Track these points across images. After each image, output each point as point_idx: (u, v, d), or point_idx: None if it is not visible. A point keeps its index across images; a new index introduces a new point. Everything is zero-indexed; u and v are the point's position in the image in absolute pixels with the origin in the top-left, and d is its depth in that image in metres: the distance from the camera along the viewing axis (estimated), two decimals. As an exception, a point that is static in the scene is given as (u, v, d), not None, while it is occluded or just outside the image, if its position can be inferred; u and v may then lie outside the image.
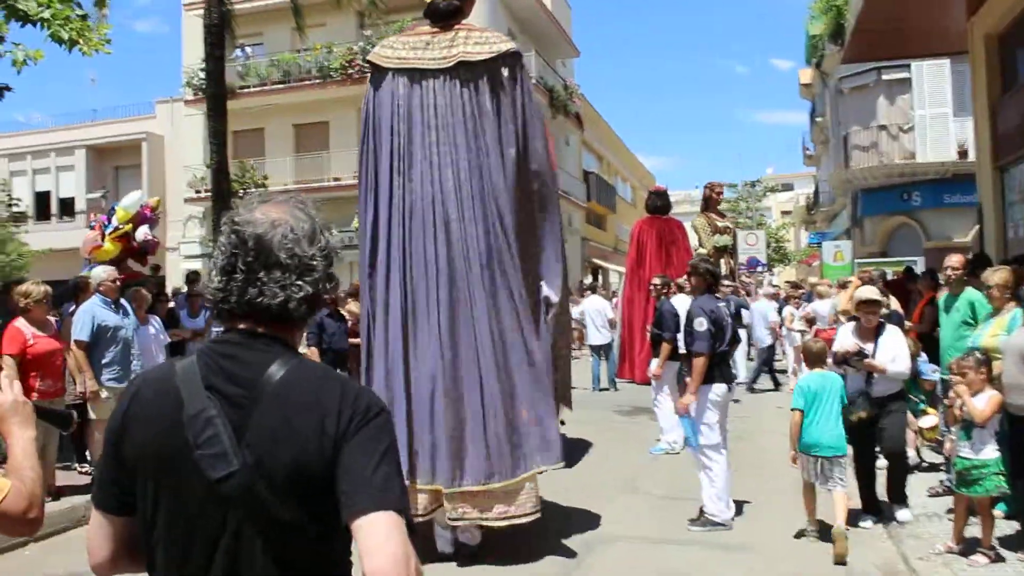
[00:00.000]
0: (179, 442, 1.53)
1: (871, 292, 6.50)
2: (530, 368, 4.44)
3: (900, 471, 6.36)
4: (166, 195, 29.27)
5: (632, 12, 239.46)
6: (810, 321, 13.98)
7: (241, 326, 1.62)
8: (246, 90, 25.82)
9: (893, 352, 6.11)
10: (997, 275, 6.05)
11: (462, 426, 4.38)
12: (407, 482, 4.10)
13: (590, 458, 8.72)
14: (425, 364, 4.38)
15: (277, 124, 26.82)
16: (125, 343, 7.28)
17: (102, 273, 7.52)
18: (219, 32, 14.19)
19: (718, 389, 6.27)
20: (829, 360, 6.23)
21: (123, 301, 7.66)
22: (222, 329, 1.67)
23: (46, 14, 7.25)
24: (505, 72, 4.32)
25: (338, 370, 8.80)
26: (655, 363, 8.76)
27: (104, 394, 7.08)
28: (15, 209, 26.51)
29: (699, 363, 6.17)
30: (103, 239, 9.04)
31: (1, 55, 7.08)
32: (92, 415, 7.15)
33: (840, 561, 5.24)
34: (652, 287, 9.77)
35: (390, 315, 4.44)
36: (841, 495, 5.60)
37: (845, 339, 6.35)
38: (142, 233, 9.23)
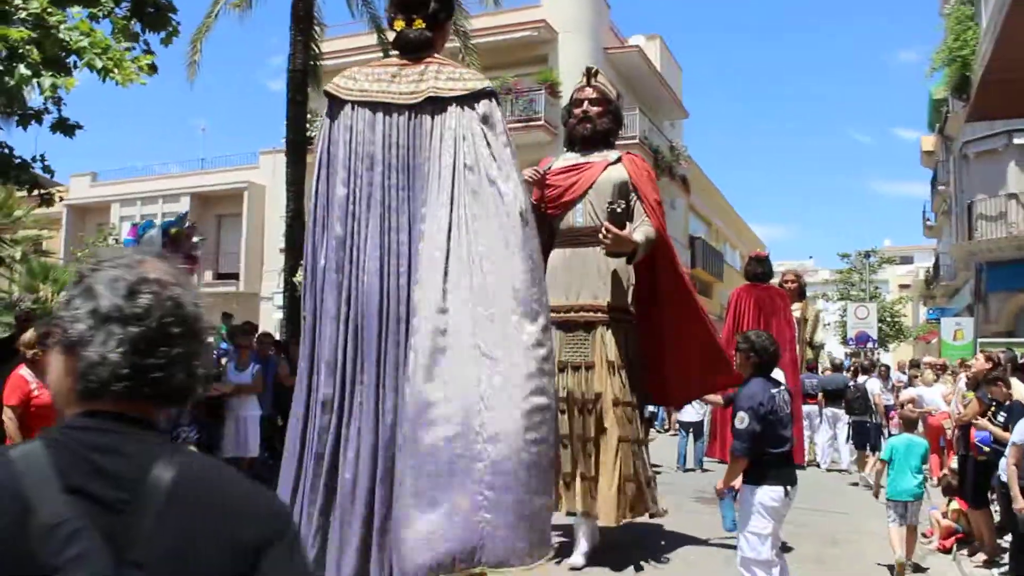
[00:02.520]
0: (24, 564, 1.15)
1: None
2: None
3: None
4: (264, 244, 29.76)
5: (748, 77, 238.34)
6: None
7: (113, 409, 1.29)
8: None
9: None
10: None
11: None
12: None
13: (662, 551, 7.57)
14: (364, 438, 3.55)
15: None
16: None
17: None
18: (301, 78, 13.96)
19: (772, 492, 4.90)
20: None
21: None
22: (79, 412, 1.31)
23: (84, 42, 6.90)
24: (479, 110, 3.60)
25: None
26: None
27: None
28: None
29: (734, 465, 5.08)
30: None
31: (31, 82, 6.70)
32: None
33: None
34: None
35: (323, 370, 3.64)
36: (912, 529, 7.03)
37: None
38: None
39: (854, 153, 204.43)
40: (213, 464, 1.42)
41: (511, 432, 3.18)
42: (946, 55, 17.35)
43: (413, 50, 3.78)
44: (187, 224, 8.44)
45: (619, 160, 6.44)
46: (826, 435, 14.14)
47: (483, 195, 3.50)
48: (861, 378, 15.15)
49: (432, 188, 3.57)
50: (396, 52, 3.86)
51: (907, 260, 64.15)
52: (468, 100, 3.64)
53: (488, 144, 3.60)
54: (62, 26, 6.74)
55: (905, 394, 12.86)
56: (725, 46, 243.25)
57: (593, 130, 6.54)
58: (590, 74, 6.83)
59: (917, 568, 7.17)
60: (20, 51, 6.42)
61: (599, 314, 6.28)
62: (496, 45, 22.05)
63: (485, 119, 3.62)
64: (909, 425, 7.68)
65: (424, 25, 3.75)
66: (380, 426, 3.47)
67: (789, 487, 4.99)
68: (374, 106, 3.69)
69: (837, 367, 16.05)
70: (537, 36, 24.13)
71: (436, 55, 3.81)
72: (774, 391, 5.07)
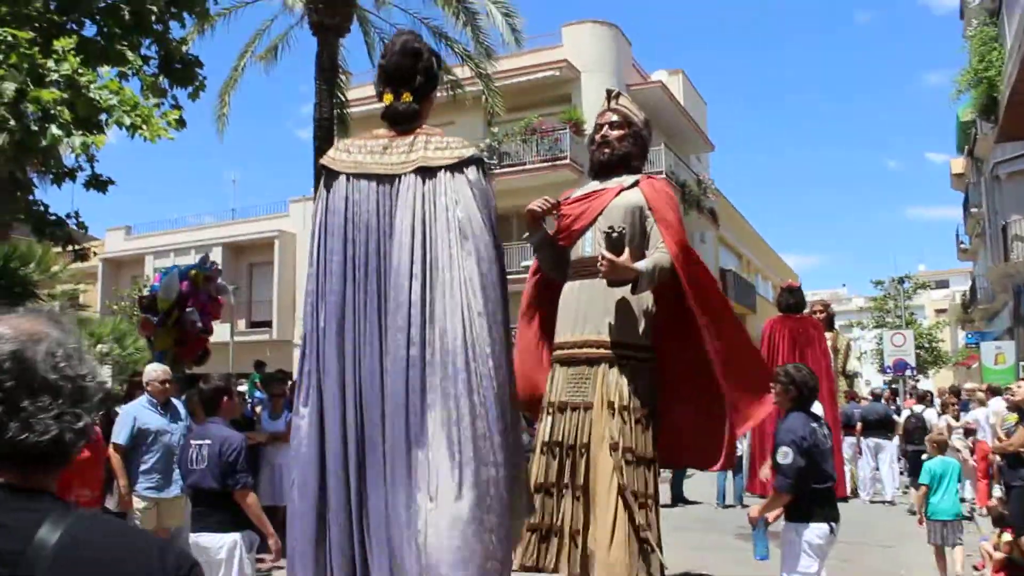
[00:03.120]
0: None
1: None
2: None
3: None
4: (296, 291, 30.01)
5: (774, 107, 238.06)
6: (968, 432, 12.34)
7: None
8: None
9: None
10: None
11: None
12: None
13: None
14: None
15: (402, 221, 26.97)
16: (168, 449, 6.67)
17: (152, 372, 7.00)
18: (328, 126, 14.13)
19: (818, 530, 4.76)
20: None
21: (176, 402, 7.10)
22: None
23: (114, 100, 7.04)
24: (468, 176, 3.75)
25: None
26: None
27: (140, 503, 6.46)
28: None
29: (776, 500, 4.90)
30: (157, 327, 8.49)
31: (62, 142, 6.83)
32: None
33: None
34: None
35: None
36: (959, 551, 7.54)
37: None
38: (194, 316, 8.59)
39: (885, 178, 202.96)
40: (105, 523, 1.35)
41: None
42: (971, 77, 17.19)
43: (402, 122, 3.93)
44: (208, 265, 8.42)
45: (636, 184, 5.87)
46: (868, 466, 13.87)
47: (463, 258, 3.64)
48: (917, 407, 14.82)
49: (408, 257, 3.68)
50: (385, 124, 3.99)
51: (942, 284, 63.27)
52: (458, 167, 3.78)
53: (478, 208, 3.73)
54: (92, 86, 6.87)
55: (966, 419, 12.64)
56: (750, 77, 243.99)
57: (611, 155, 5.94)
58: (610, 96, 6.38)
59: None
60: (52, 112, 6.55)
61: (602, 350, 5.60)
62: (519, 86, 22.27)
63: (473, 184, 3.76)
64: (940, 448, 8.04)
65: (411, 98, 3.87)
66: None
67: (834, 524, 4.82)
68: (368, 177, 3.84)
69: (877, 396, 15.82)
70: (559, 76, 24.32)
71: (423, 126, 3.94)
72: (814, 425, 4.92)
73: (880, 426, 13.73)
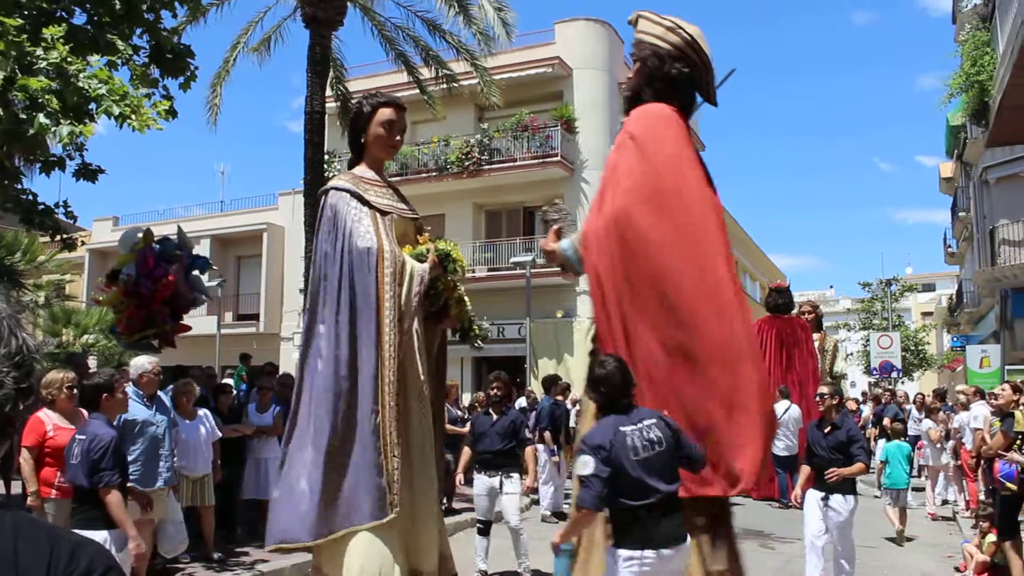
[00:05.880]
0: None
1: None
2: None
3: None
4: (284, 285, 29.88)
5: (766, 107, 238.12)
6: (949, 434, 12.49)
7: None
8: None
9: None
10: None
11: None
12: None
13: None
14: None
15: (392, 216, 26.89)
16: (153, 440, 6.62)
17: (144, 363, 6.95)
18: (319, 120, 14.06)
19: (626, 558, 3.98)
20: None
21: (162, 395, 7.05)
22: None
23: (103, 90, 6.96)
24: None
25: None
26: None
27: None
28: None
29: (578, 519, 4.19)
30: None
31: (50, 131, 6.76)
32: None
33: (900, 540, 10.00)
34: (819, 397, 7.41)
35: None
36: (904, 510, 10.35)
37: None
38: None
39: (875, 181, 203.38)
40: (14, 518, 1.26)
41: None
42: (962, 81, 17.22)
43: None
44: (176, 242, 7.80)
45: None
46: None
47: None
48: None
49: None
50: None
51: (929, 288, 63.53)
52: None
53: None
54: (81, 75, 6.79)
55: (954, 425, 12.73)
56: (744, 76, 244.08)
57: (625, 100, 5.03)
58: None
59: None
60: (40, 100, 6.49)
61: None
62: (511, 83, 22.19)
63: None
64: (896, 434, 11.14)
65: None
66: None
67: (658, 549, 3.90)
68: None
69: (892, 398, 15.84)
70: (552, 73, 24.27)
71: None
72: (627, 428, 4.00)
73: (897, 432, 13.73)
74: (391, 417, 4.35)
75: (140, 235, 7.54)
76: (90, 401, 5.37)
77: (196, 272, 7.93)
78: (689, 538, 4.06)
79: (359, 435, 4.36)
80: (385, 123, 4.68)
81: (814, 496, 6.99)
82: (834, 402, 7.12)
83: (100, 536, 4.89)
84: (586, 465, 3.91)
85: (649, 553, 3.88)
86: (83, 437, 5.08)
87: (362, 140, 4.79)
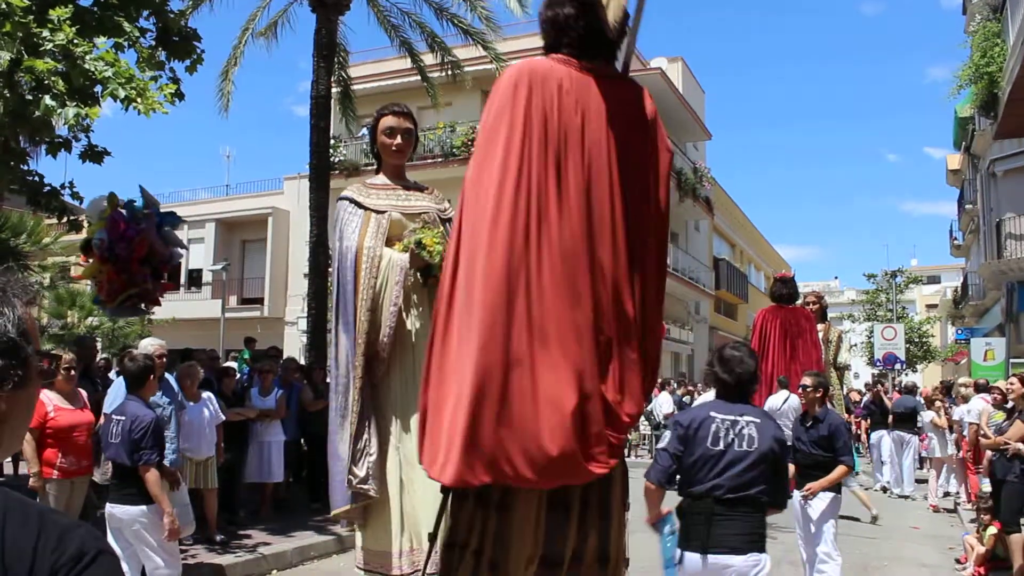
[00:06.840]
0: None
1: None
2: None
3: None
4: (289, 270, 29.90)
5: (774, 97, 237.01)
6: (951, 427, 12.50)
7: None
8: (369, 167, 26.05)
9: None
10: None
11: None
12: None
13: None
14: None
15: (398, 201, 26.89)
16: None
17: (150, 346, 6.97)
18: (325, 104, 14.04)
19: None
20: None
21: (168, 377, 7.08)
22: None
23: (108, 72, 6.96)
24: None
25: None
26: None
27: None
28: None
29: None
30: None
31: (56, 113, 6.76)
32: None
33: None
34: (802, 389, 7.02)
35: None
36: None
37: None
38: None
39: (882, 172, 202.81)
40: (4, 500, 1.22)
41: None
42: (972, 72, 17.11)
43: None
44: (141, 203, 7.72)
45: None
46: (892, 457, 13.87)
47: None
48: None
49: None
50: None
51: (934, 280, 63.44)
52: None
53: None
54: (87, 57, 6.79)
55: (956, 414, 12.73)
56: (752, 67, 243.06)
57: None
58: None
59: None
60: (46, 82, 6.49)
61: None
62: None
63: None
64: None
65: None
66: None
67: None
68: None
69: (909, 389, 15.51)
70: (559, 60, 24.16)
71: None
72: (720, 416, 3.91)
73: (907, 420, 13.70)
74: (356, 399, 4.43)
75: (105, 202, 7.51)
76: (135, 381, 5.57)
77: (167, 228, 7.99)
78: (759, 553, 3.73)
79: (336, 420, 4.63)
80: (386, 130, 4.86)
81: (796, 497, 6.39)
82: (817, 395, 6.44)
83: (139, 510, 5.26)
84: (663, 439, 3.96)
85: (691, 555, 3.70)
86: (122, 417, 5.33)
87: (375, 150, 5.08)
